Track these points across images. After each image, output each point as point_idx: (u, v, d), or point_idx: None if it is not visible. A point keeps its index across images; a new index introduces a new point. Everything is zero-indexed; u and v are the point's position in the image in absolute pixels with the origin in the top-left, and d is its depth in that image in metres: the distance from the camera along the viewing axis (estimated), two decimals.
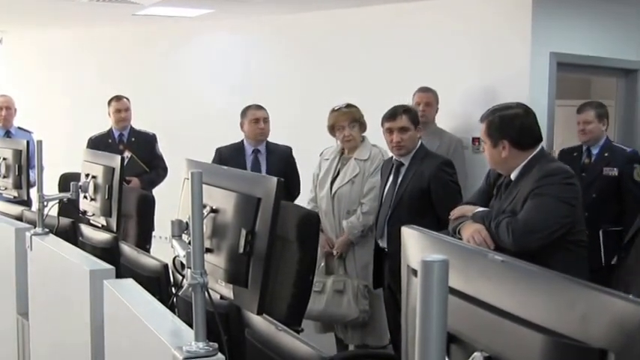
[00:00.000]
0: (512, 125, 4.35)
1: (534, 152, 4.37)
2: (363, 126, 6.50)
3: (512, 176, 4.39)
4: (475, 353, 1.49)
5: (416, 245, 1.80)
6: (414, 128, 5.83)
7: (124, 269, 3.91)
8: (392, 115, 5.86)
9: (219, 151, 7.31)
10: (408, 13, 8.52)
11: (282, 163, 7.09)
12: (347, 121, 6.40)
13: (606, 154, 6.90)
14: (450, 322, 1.53)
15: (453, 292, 1.56)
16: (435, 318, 1.13)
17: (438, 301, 1.13)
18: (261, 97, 8.76)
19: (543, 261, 3.45)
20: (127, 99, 8.47)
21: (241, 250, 2.53)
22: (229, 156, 7.13)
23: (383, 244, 5.85)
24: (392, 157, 6.09)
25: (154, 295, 3.05)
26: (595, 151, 7.07)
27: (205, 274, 2.31)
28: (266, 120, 7.23)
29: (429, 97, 7.35)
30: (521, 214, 4.19)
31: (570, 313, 1.35)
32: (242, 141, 7.32)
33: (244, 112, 7.26)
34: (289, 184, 6.77)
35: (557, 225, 4.16)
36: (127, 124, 8.44)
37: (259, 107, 7.26)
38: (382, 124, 5.89)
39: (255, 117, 7.19)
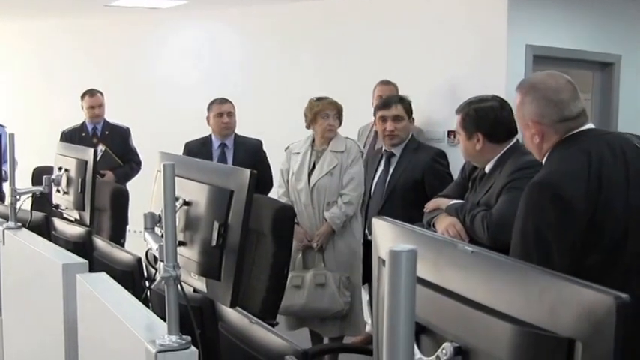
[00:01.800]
0: (486, 118, 4.36)
1: (509, 145, 4.37)
2: (341, 120, 6.50)
3: (487, 169, 4.39)
4: (445, 343, 1.49)
5: (386, 236, 1.80)
6: (407, 118, 5.84)
7: (97, 263, 3.89)
8: (386, 103, 5.86)
9: (187, 145, 7.30)
10: (383, 5, 8.53)
11: (251, 157, 7.01)
12: (334, 110, 6.38)
13: None
14: (420, 313, 1.53)
15: (423, 282, 1.57)
16: (403, 307, 1.13)
17: (405, 290, 1.12)
18: (234, 89, 8.79)
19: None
20: (101, 93, 8.44)
21: (214, 243, 2.52)
22: (196, 150, 7.10)
23: None
24: (381, 148, 6.08)
25: (127, 288, 3.04)
26: None
27: (178, 267, 2.31)
28: (230, 114, 7.20)
29: (390, 89, 7.36)
30: (495, 208, 4.19)
31: (539, 303, 1.36)
32: (210, 135, 7.30)
33: (209, 107, 7.25)
34: (259, 177, 6.70)
35: None
36: (101, 119, 8.42)
37: (224, 101, 7.24)
38: (375, 113, 5.89)
39: (219, 111, 7.17)
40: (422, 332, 1.59)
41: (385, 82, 7.50)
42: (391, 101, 5.87)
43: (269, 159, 7.27)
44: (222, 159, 7.13)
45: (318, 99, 6.49)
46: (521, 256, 3.21)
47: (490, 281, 1.48)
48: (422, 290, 1.55)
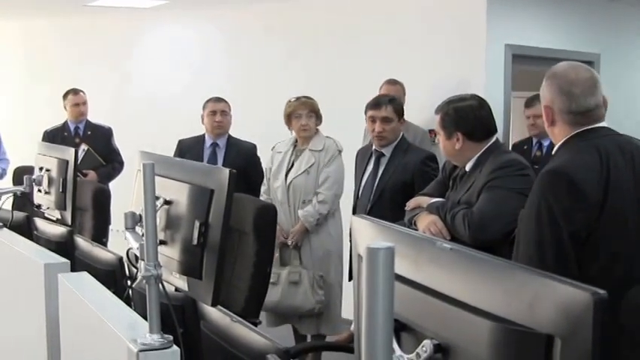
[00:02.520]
0: (466, 117, 4.37)
1: (488, 144, 4.39)
2: (319, 118, 6.50)
3: (467, 168, 4.41)
4: (425, 341, 1.50)
5: (365, 234, 1.80)
6: (397, 119, 5.81)
7: (79, 263, 3.89)
8: (376, 104, 5.83)
9: (180, 143, 7.28)
10: (361, 5, 8.54)
11: (242, 159, 6.94)
12: (305, 110, 6.39)
13: None
14: (400, 311, 1.54)
15: (403, 280, 1.57)
16: (381, 305, 1.13)
17: (384, 287, 1.12)
18: (217, 89, 8.75)
19: (497, 252, 3.46)
20: (83, 92, 8.42)
21: (195, 242, 2.52)
22: (188, 148, 7.10)
23: None
24: (370, 145, 6.08)
25: (109, 288, 3.04)
26: (546, 143, 7.11)
27: (159, 266, 2.31)
28: (224, 113, 7.17)
29: (397, 89, 7.27)
30: (476, 206, 4.20)
31: (517, 300, 1.37)
32: (204, 134, 7.28)
33: (204, 105, 7.23)
34: (250, 181, 6.70)
35: (512, 217, 4.16)
36: (84, 118, 8.40)
37: (219, 100, 7.21)
38: (365, 112, 5.87)
39: (213, 109, 7.14)
40: (402, 330, 1.59)
41: (392, 82, 7.39)
42: (381, 102, 5.84)
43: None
44: (213, 158, 7.10)
45: (292, 100, 6.51)
46: (535, 243, 3.28)
47: (469, 278, 1.49)
48: (401, 288, 1.56)
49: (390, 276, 1.12)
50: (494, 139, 4.44)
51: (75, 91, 8.39)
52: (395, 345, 1.57)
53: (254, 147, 7.29)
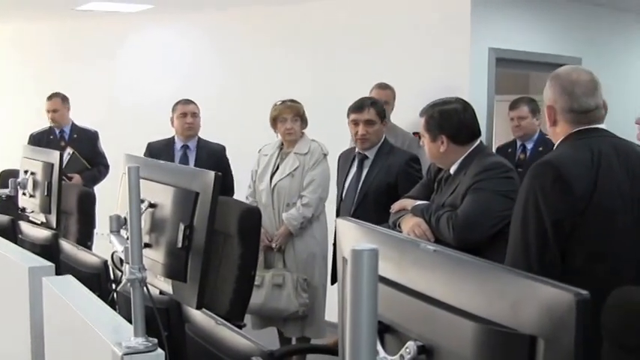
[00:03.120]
0: (450, 120, 4.39)
1: (473, 147, 4.41)
2: (304, 122, 6.50)
3: (452, 170, 4.43)
4: (408, 342, 1.50)
5: (349, 236, 1.81)
6: (379, 122, 5.81)
7: (63, 266, 3.88)
8: (359, 107, 5.82)
9: (149, 146, 7.26)
10: (346, 10, 8.55)
11: (213, 161, 6.95)
12: (290, 114, 6.40)
13: (541, 149, 6.95)
14: (384, 313, 1.55)
15: (387, 282, 1.58)
16: (365, 307, 1.13)
17: (368, 289, 1.13)
18: (201, 93, 8.76)
19: (482, 254, 3.48)
20: (63, 98, 8.38)
21: (180, 245, 2.52)
22: (159, 151, 7.08)
23: None
24: (353, 148, 6.08)
25: (94, 291, 3.04)
26: (529, 145, 7.17)
27: (144, 269, 2.31)
28: (194, 114, 7.18)
29: (387, 94, 7.29)
30: (460, 208, 4.22)
31: (501, 301, 1.37)
32: (173, 136, 7.28)
33: (174, 107, 7.23)
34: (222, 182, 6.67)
35: (496, 219, 4.20)
36: (64, 123, 8.37)
37: (188, 102, 7.22)
38: (348, 115, 5.86)
39: (183, 111, 7.15)
40: (386, 331, 1.59)
41: (382, 87, 7.40)
42: (364, 105, 5.84)
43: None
44: (184, 161, 7.09)
45: (277, 103, 6.52)
46: (520, 230, 3.38)
47: (452, 280, 1.49)
48: (385, 290, 1.56)
49: (374, 278, 1.12)
50: (478, 141, 4.46)
51: (49, 97, 8.38)
52: (379, 347, 1.57)
53: (223, 148, 7.35)
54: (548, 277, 1.30)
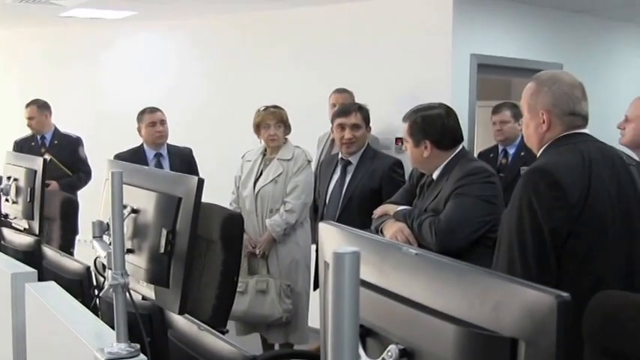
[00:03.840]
0: (434, 125, 4.40)
1: (455, 152, 4.43)
2: (288, 128, 6.51)
3: (434, 175, 4.44)
4: (390, 346, 1.50)
5: (331, 240, 1.81)
6: (365, 127, 5.84)
7: (46, 272, 3.87)
8: (346, 111, 5.84)
9: (117, 157, 7.10)
10: (330, 15, 8.55)
11: (185, 165, 7.03)
12: (274, 120, 6.40)
13: (522, 154, 6.96)
14: (366, 316, 1.55)
15: (368, 285, 1.58)
16: (347, 310, 1.13)
17: (349, 293, 1.13)
18: (185, 99, 8.78)
19: (465, 259, 3.48)
20: (40, 105, 8.35)
21: (162, 250, 2.52)
22: (129, 161, 7.04)
23: None
24: (335, 154, 6.09)
25: (76, 297, 3.04)
26: (511, 150, 7.18)
27: (126, 275, 2.31)
28: (163, 122, 7.17)
29: (345, 97, 7.32)
30: (443, 213, 4.23)
31: (482, 304, 1.38)
32: (141, 145, 7.26)
33: (140, 117, 7.21)
34: None
35: (479, 224, 4.21)
36: (41, 130, 8.33)
37: (154, 110, 7.20)
38: (332, 120, 5.87)
39: (152, 120, 7.14)
40: (368, 335, 1.60)
41: (340, 91, 7.46)
42: (350, 109, 5.87)
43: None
44: (160, 168, 7.08)
45: (261, 109, 6.52)
46: (516, 238, 3.33)
47: (434, 283, 1.50)
48: (367, 293, 1.57)
49: (355, 281, 1.12)
50: (460, 147, 4.48)
51: (27, 105, 8.38)
52: (361, 350, 1.58)
53: (191, 151, 7.40)
54: (546, 284, 1.30)
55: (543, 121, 3.52)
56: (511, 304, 1.33)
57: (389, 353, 1.50)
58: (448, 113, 4.51)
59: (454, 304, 1.43)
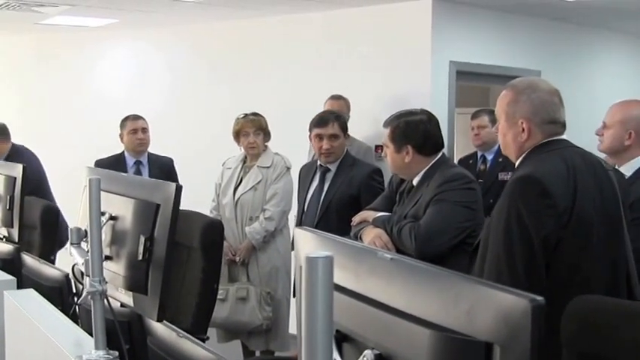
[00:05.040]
0: (416, 130, 4.41)
1: (436, 158, 4.44)
2: (267, 135, 6.50)
3: (415, 182, 4.45)
4: (366, 351, 1.51)
5: (307, 245, 1.82)
6: (343, 136, 5.83)
7: (25, 280, 3.86)
8: (323, 121, 5.81)
9: (98, 163, 7.04)
10: (311, 23, 8.58)
11: (164, 174, 6.97)
12: (253, 128, 6.40)
13: (500, 159, 6.95)
14: (342, 322, 1.56)
15: (344, 291, 1.59)
16: (320, 315, 1.13)
17: (323, 297, 1.12)
18: (163, 108, 8.78)
19: (444, 264, 3.49)
20: None
21: (140, 257, 2.51)
22: (109, 168, 7.01)
23: None
24: (315, 161, 6.09)
25: (56, 305, 3.03)
26: (490, 156, 7.19)
27: (104, 282, 2.31)
28: (145, 130, 7.15)
29: (340, 104, 7.32)
30: (423, 219, 4.24)
31: (457, 308, 1.39)
32: (122, 152, 7.23)
33: (123, 124, 7.18)
34: None
35: (458, 230, 4.23)
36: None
37: (137, 117, 7.18)
38: (310, 130, 5.86)
39: (134, 127, 7.11)
40: (344, 340, 1.60)
41: (336, 97, 7.46)
42: (328, 119, 5.84)
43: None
44: (138, 175, 7.05)
45: (240, 117, 6.51)
46: (504, 247, 3.28)
47: (409, 288, 1.50)
48: (343, 299, 1.57)
49: (329, 285, 1.12)
50: (441, 154, 4.49)
51: None
52: (337, 356, 1.58)
53: (171, 161, 7.37)
54: (535, 292, 1.30)
55: (523, 130, 3.49)
56: (486, 308, 1.34)
57: (365, 358, 1.50)
58: (430, 119, 4.52)
59: (429, 309, 1.44)
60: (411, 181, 4.48)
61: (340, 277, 1.58)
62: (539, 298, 1.27)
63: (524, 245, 3.24)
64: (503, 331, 1.30)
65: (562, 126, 3.54)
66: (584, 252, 3.32)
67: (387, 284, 1.55)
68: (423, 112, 4.60)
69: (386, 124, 4.52)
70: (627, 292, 3.43)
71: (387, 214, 4.50)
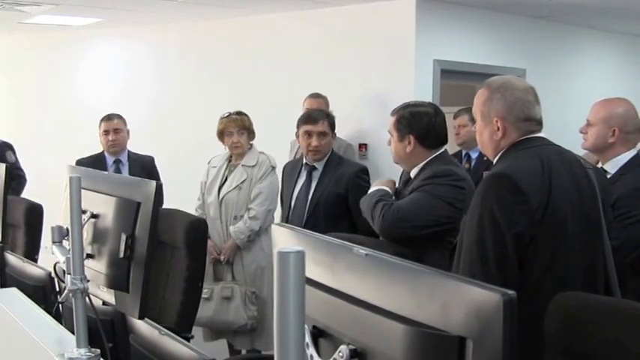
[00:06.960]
0: (420, 121, 4.40)
1: (437, 153, 4.43)
2: (251, 134, 6.49)
3: (412, 173, 4.43)
4: (341, 346, 1.52)
5: (284, 242, 1.83)
6: (331, 134, 5.85)
7: (9, 279, 3.86)
8: (314, 119, 5.82)
9: (79, 162, 7.00)
10: (296, 22, 8.58)
11: (145, 173, 6.94)
12: (236, 127, 6.38)
13: (485, 158, 6.97)
14: (318, 317, 1.57)
15: (320, 286, 1.60)
16: (292, 310, 1.13)
17: (294, 292, 1.12)
18: (150, 107, 8.77)
19: (426, 261, 3.50)
20: None
21: (121, 255, 2.51)
22: (89, 167, 6.99)
23: None
24: (299, 159, 6.09)
25: (39, 303, 3.04)
26: (474, 155, 7.21)
27: (86, 280, 2.31)
28: (117, 130, 7.11)
29: (319, 102, 7.34)
30: (396, 202, 4.25)
31: (430, 303, 1.40)
32: (102, 152, 7.23)
33: (99, 124, 7.19)
34: None
35: (430, 222, 4.20)
36: None
37: (110, 117, 7.16)
38: (298, 127, 5.86)
39: (105, 128, 7.12)
40: (320, 336, 1.61)
41: (315, 96, 7.48)
42: (318, 117, 5.85)
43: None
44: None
45: (224, 116, 6.50)
46: (476, 244, 3.27)
47: (383, 283, 1.51)
48: (319, 294, 1.59)
49: (300, 280, 1.12)
50: (443, 149, 4.49)
51: None
52: (313, 351, 1.59)
53: (152, 159, 7.37)
54: (509, 288, 1.31)
55: (498, 129, 3.49)
56: (458, 303, 1.35)
57: (340, 354, 1.51)
58: (436, 112, 4.52)
59: (403, 304, 1.45)
60: (409, 173, 4.49)
61: (316, 273, 1.60)
62: (511, 292, 1.28)
63: (496, 241, 3.23)
64: (476, 325, 1.32)
65: (538, 123, 3.54)
66: (559, 250, 3.33)
67: (363, 280, 1.56)
68: (431, 105, 4.64)
69: (393, 113, 4.52)
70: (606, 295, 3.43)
71: (386, 188, 4.51)
